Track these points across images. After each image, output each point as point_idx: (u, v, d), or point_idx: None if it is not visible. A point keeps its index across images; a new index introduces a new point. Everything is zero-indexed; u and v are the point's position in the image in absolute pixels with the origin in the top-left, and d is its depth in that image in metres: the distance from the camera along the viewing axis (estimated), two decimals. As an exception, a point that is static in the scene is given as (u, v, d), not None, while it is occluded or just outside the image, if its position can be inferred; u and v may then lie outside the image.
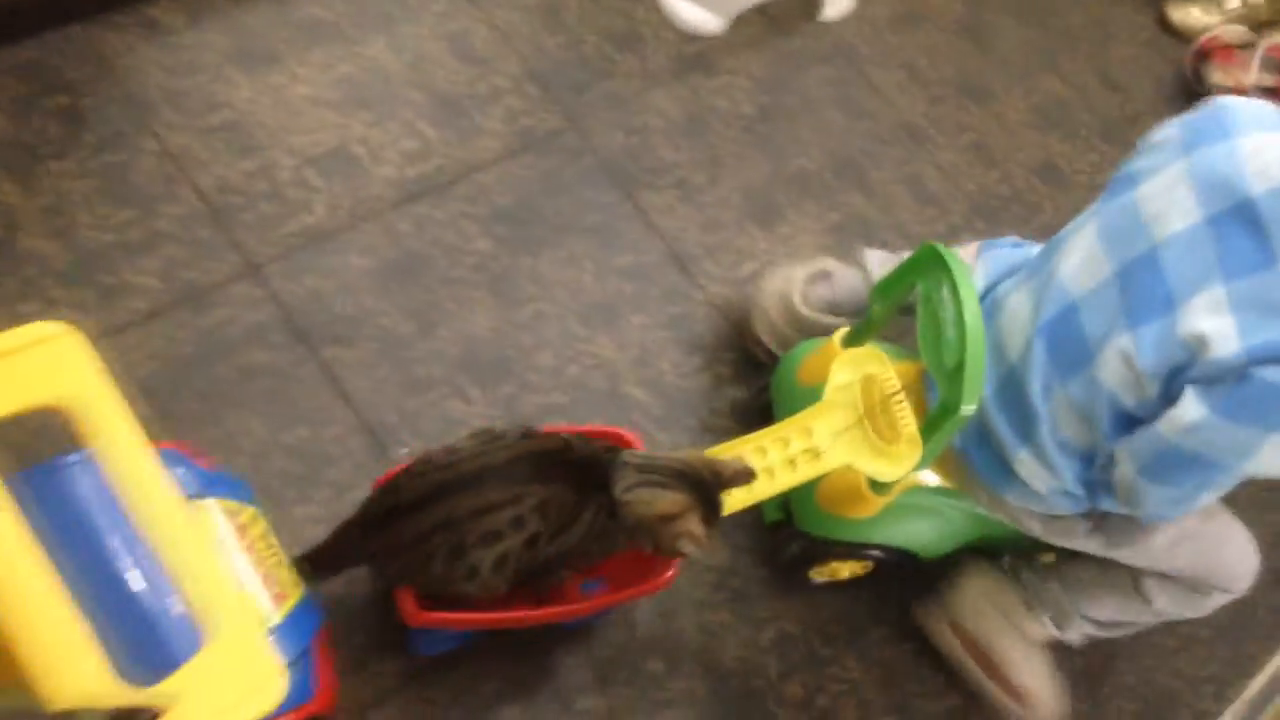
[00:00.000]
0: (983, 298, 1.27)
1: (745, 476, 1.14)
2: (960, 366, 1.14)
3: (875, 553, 1.43)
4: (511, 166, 1.72)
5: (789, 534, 1.44)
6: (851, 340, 1.36)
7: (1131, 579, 1.38)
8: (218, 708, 0.85)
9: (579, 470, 1.13)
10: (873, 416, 1.23)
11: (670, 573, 1.23)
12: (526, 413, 1.51)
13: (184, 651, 0.87)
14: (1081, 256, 1.16)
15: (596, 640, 1.42)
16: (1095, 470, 1.20)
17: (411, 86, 1.72)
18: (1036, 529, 1.31)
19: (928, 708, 1.53)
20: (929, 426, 1.19)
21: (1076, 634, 1.46)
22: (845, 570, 1.49)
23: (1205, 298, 1.04)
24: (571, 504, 1.12)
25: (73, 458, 0.96)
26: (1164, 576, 1.36)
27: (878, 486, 1.29)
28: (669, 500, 1.09)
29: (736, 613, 1.49)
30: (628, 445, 1.23)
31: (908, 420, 1.20)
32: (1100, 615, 1.43)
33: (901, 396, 1.21)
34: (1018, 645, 1.46)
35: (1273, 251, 1.03)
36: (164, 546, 0.88)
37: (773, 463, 1.22)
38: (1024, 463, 1.23)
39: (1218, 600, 1.40)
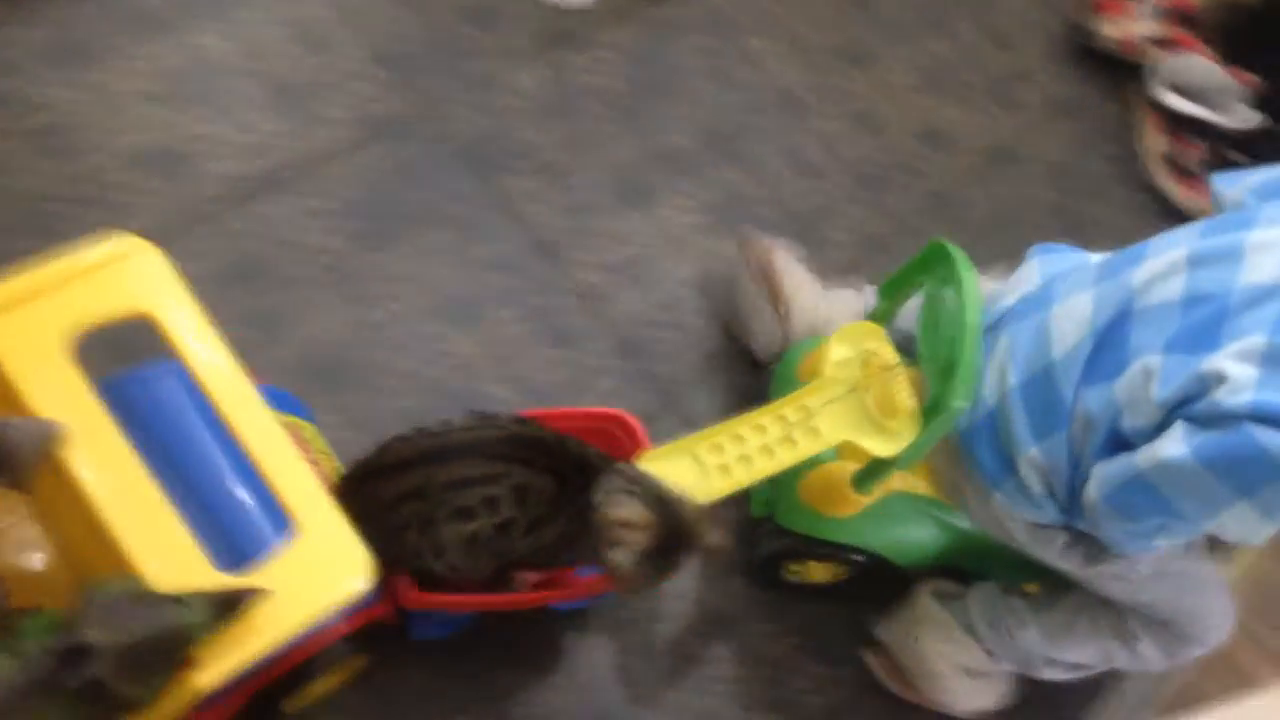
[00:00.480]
0: (1034, 295, 1.23)
1: (716, 547, 1.11)
2: (954, 365, 1.12)
3: (851, 555, 1.38)
4: (360, 157, 1.62)
5: (768, 529, 1.41)
6: None
7: (1117, 618, 1.32)
8: (313, 591, 0.92)
9: (567, 465, 1.11)
10: (871, 389, 1.20)
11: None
12: (377, 421, 1.42)
13: (278, 542, 0.94)
14: (1162, 272, 1.11)
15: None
16: (1077, 483, 1.15)
17: (247, 76, 1.61)
18: (1019, 535, 1.25)
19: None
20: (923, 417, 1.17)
21: (1044, 673, 1.40)
22: (819, 573, 1.44)
23: (1245, 343, 1.00)
24: (551, 496, 1.09)
25: (161, 365, 1.02)
26: (1149, 619, 1.30)
27: (861, 484, 1.27)
28: (632, 509, 1.06)
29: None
30: (628, 429, 1.23)
31: (905, 394, 1.18)
32: (1078, 657, 1.36)
33: (900, 369, 1.18)
34: (954, 679, 1.41)
35: None
36: (251, 445, 0.96)
37: (770, 440, 1.18)
38: (1031, 460, 1.17)
39: (1194, 651, 1.33)
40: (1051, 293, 1.21)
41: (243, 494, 1.01)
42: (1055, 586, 1.35)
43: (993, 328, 1.24)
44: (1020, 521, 1.23)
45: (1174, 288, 1.08)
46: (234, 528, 0.99)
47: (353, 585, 0.95)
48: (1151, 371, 1.05)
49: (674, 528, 1.07)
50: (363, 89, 1.67)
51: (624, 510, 1.06)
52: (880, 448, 1.19)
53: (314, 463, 1.08)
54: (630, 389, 1.59)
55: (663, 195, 1.75)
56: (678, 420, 1.58)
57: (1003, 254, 1.86)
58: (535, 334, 1.58)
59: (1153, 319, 1.08)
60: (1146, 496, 1.05)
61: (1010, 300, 1.26)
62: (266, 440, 0.97)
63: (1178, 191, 2.03)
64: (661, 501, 1.07)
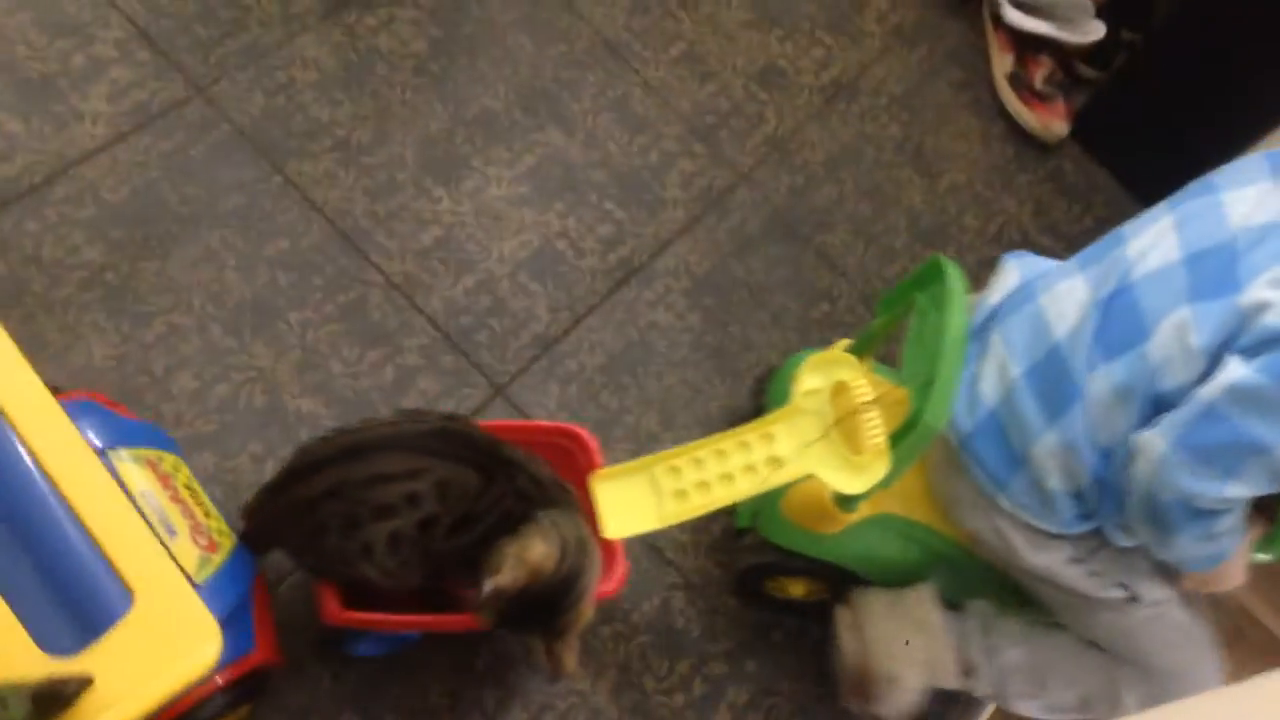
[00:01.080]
0: (1017, 292, 1.25)
1: (563, 649, 1.06)
2: (931, 381, 1.11)
3: (831, 573, 1.33)
4: (123, 152, 1.43)
5: (750, 542, 1.37)
6: (853, 351, 1.28)
7: (1106, 668, 1.27)
8: (149, 671, 0.83)
9: (493, 461, 1.05)
10: (841, 425, 1.15)
11: (613, 583, 1.15)
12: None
13: (111, 615, 0.85)
14: (1151, 242, 1.15)
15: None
16: (1112, 471, 1.12)
17: (-21, 71, 1.41)
18: (1018, 544, 1.21)
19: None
20: (895, 438, 1.13)
21: (1016, 705, 1.33)
22: (798, 589, 1.39)
23: (1273, 274, 1.04)
24: (474, 492, 1.04)
25: None
26: (1138, 673, 1.25)
27: (843, 502, 1.22)
28: (541, 550, 1.01)
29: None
30: (582, 445, 1.21)
31: (877, 432, 1.13)
32: (1057, 699, 1.30)
33: (874, 407, 1.13)
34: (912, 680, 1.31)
35: None
36: (79, 506, 0.86)
37: (732, 468, 1.14)
38: (1044, 449, 1.15)
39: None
40: (1034, 287, 1.23)
41: (74, 558, 0.89)
42: (1049, 627, 1.31)
43: (981, 329, 1.25)
44: (1024, 530, 1.20)
45: (1169, 249, 1.12)
46: (66, 601, 0.88)
47: (200, 658, 0.86)
48: (1185, 324, 1.07)
49: (561, 590, 1.03)
50: (122, 74, 1.47)
51: (536, 546, 1.01)
52: (845, 484, 1.14)
53: (177, 499, 1.02)
54: (456, 385, 1.44)
55: (477, 167, 1.60)
56: (509, 413, 1.44)
57: (850, 193, 1.77)
58: (343, 336, 1.43)
59: (1158, 281, 1.11)
60: (1219, 428, 1.03)
61: (994, 299, 1.26)
62: (94, 495, 0.88)
63: (1028, 115, 1.94)
64: (579, 547, 1.04)
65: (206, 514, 1.07)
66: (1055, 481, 1.15)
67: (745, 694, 1.40)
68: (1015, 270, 1.28)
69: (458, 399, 1.44)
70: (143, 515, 0.92)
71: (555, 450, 1.20)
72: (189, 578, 0.92)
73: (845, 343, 1.35)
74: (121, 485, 0.93)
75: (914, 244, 1.78)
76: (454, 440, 1.07)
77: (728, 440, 1.14)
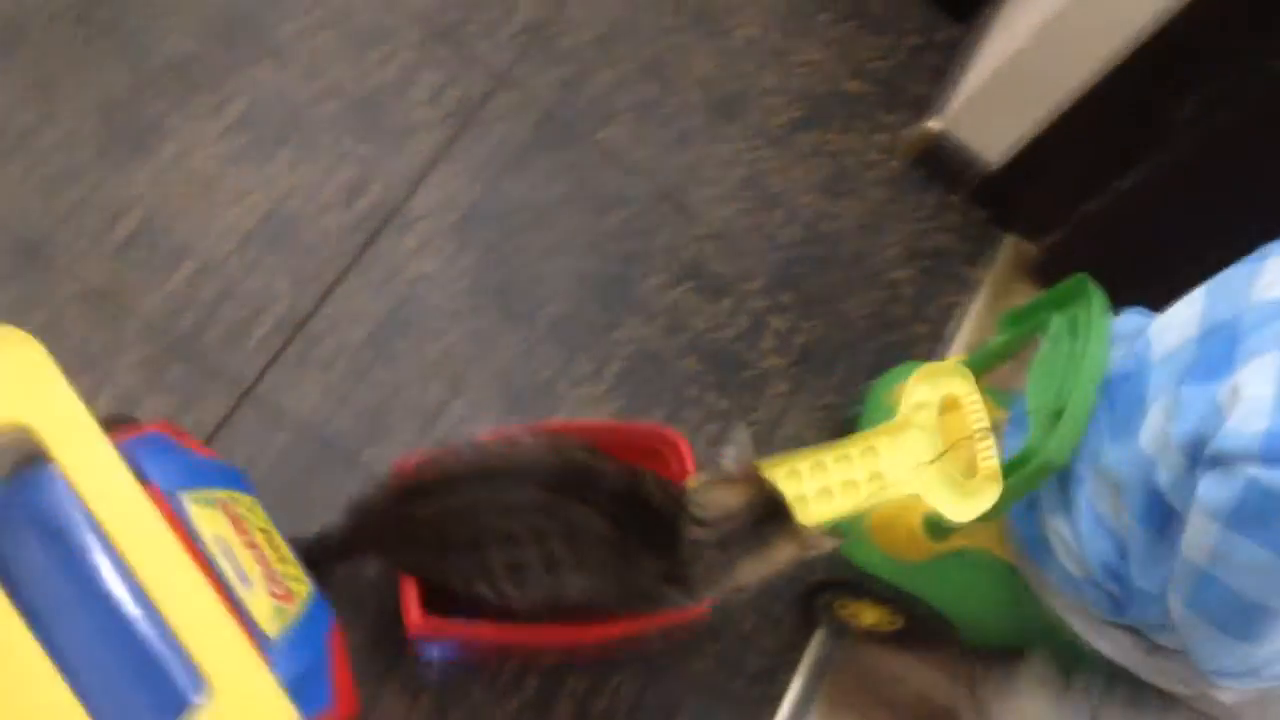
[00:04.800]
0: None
1: (748, 447, 1.01)
2: (1060, 415, 1.02)
3: (909, 605, 1.22)
4: None
5: (830, 555, 1.24)
6: (970, 367, 1.15)
7: None
8: None
9: (627, 510, 1.00)
10: (950, 446, 1.07)
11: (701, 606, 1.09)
12: None
13: (183, 704, 0.78)
14: (1179, 314, 1.01)
15: None
16: (1129, 564, 0.99)
17: None
18: (1079, 627, 1.09)
19: None
20: (1006, 468, 1.05)
21: None
22: (870, 616, 1.29)
23: (1267, 359, 0.86)
24: (609, 542, 1.00)
25: (33, 485, 0.82)
26: None
27: (935, 530, 1.14)
28: (777, 552, 0.98)
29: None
30: (672, 446, 1.18)
31: (989, 455, 1.05)
32: None
33: (988, 429, 1.06)
34: None
35: None
36: (153, 586, 0.78)
37: (831, 482, 1.07)
38: (1057, 535, 1.05)
39: None
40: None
41: (146, 645, 0.81)
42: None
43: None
44: (1078, 613, 1.08)
45: (1190, 322, 0.98)
46: (140, 688, 0.80)
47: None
48: (1170, 409, 0.93)
49: (767, 511, 0.98)
50: None
51: (721, 489, 0.98)
52: (952, 509, 1.05)
53: (251, 544, 0.95)
54: (191, 398, 1.22)
55: (175, 126, 1.33)
56: (263, 418, 1.23)
57: (629, 74, 1.54)
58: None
59: (1171, 360, 0.97)
60: (1213, 589, 0.88)
61: None
62: (172, 577, 0.79)
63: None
64: (761, 487, 0.98)
65: (282, 559, 1.00)
66: (1074, 567, 1.04)
67: None
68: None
69: (197, 413, 1.22)
70: (215, 566, 0.87)
71: (647, 455, 1.16)
72: (264, 637, 0.86)
73: (956, 359, 1.23)
74: (193, 531, 0.88)
75: (713, 120, 1.56)
76: (587, 481, 1.01)
77: (829, 453, 1.07)
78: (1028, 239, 1.63)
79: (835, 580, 1.26)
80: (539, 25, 1.54)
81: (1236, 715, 1.09)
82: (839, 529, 1.10)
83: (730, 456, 0.99)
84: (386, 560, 1.12)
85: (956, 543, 1.14)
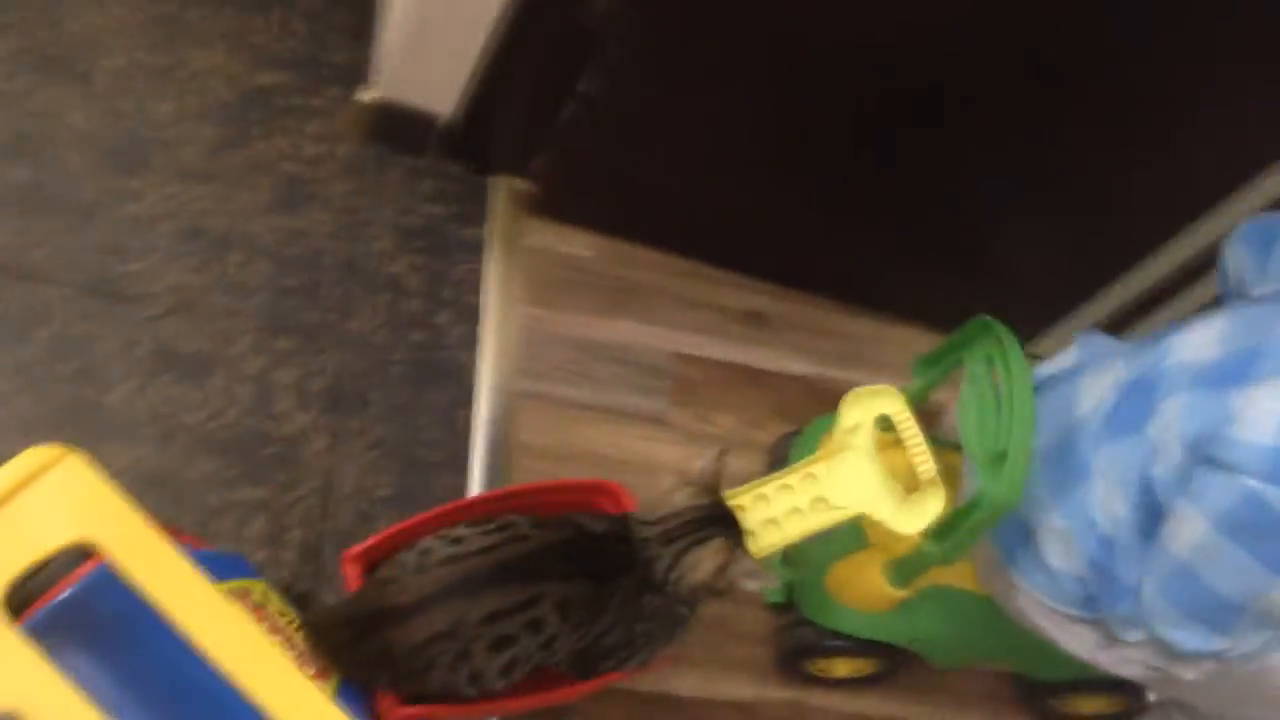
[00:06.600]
0: (1069, 370, 1.18)
1: (719, 464, 1.06)
2: (1005, 454, 1.07)
3: (881, 651, 1.30)
4: None
5: (795, 619, 1.32)
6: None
7: None
8: None
9: (596, 557, 1.03)
10: (887, 460, 1.14)
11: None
12: None
13: None
14: (1202, 338, 1.03)
15: None
16: (1113, 561, 1.05)
17: None
18: (1048, 629, 1.14)
19: None
20: (961, 515, 1.10)
21: None
22: (844, 668, 1.33)
23: (1274, 383, 0.92)
24: (592, 597, 1.02)
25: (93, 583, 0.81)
26: None
27: (896, 577, 1.19)
28: (714, 551, 1.02)
29: None
30: (615, 498, 1.16)
31: (926, 463, 1.13)
32: None
33: (920, 437, 1.14)
34: None
35: None
36: (245, 679, 0.77)
37: (776, 512, 1.12)
38: (1051, 528, 1.09)
39: None
40: (1084, 365, 1.17)
41: None
42: None
43: None
44: (1045, 612, 1.13)
45: (1209, 341, 1.01)
46: None
47: None
48: (1179, 407, 0.99)
49: (721, 516, 1.04)
50: None
51: (707, 563, 1.01)
52: (900, 522, 1.11)
53: (276, 629, 0.95)
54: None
55: None
56: None
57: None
58: None
59: (1186, 366, 1.01)
60: (1189, 579, 0.96)
61: (1045, 371, 1.19)
62: (260, 665, 0.78)
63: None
64: (701, 520, 1.03)
65: (304, 639, 0.99)
66: (1056, 560, 1.09)
67: None
68: (1076, 349, 1.20)
69: None
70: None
71: (588, 507, 1.15)
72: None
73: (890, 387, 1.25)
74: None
75: (112, 178, 1.29)
76: (561, 553, 1.02)
77: (769, 484, 1.13)
78: (517, 175, 1.49)
79: (807, 644, 1.31)
80: None
81: (1196, 690, 1.16)
82: (777, 566, 1.21)
83: (701, 468, 1.05)
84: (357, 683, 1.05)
85: (920, 584, 1.19)
